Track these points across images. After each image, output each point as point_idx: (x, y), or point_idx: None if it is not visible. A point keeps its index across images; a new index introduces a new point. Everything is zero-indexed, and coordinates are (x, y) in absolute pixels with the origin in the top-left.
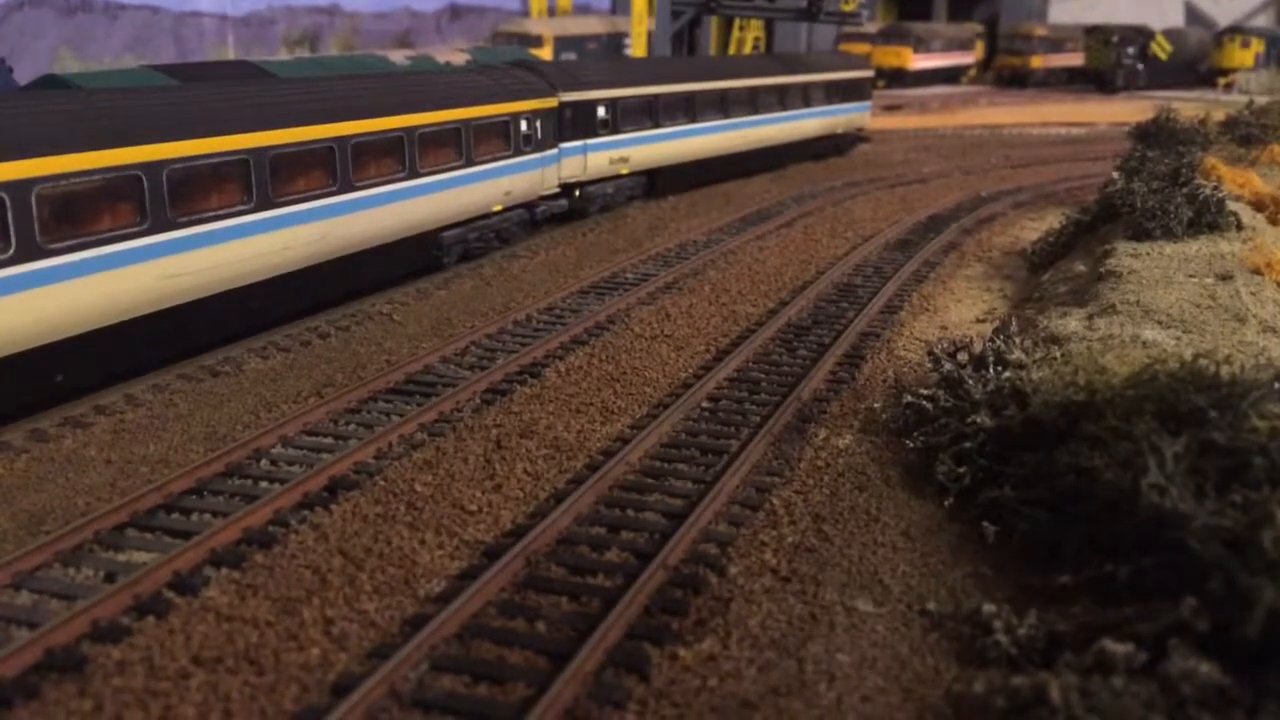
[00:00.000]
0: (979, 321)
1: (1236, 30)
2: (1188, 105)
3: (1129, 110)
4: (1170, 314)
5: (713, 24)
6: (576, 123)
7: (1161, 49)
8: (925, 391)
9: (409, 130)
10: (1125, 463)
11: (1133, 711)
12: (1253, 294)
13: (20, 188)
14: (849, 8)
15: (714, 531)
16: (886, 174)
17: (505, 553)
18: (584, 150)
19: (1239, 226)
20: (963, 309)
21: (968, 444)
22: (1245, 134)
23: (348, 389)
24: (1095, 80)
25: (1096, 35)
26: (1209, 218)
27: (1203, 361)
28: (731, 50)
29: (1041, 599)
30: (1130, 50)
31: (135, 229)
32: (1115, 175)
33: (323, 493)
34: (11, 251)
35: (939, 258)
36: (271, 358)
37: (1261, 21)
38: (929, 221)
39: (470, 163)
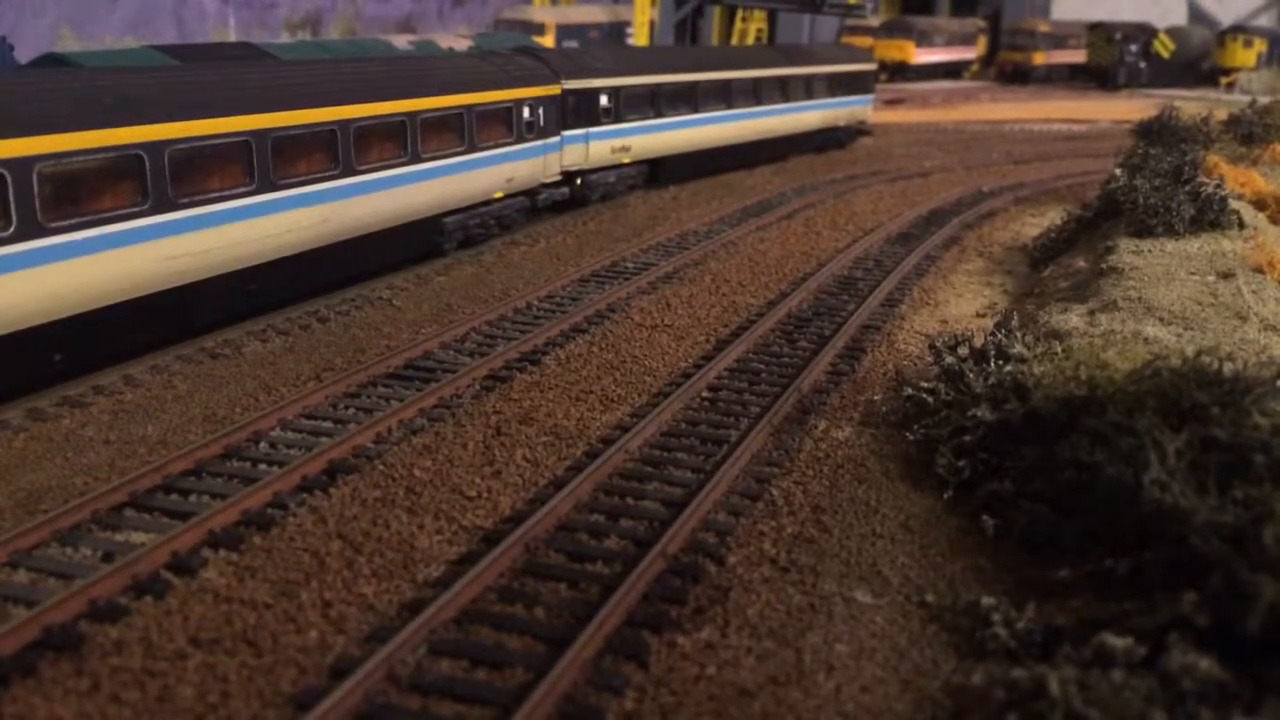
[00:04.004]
0: (980, 316)
1: (1239, 30)
2: (1189, 104)
3: (1131, 108)
4: (1172, 310)
5: (715, 14)
6: (579, 111)
7: (1164, 47)
8: (926, 384)
9: (411, 115)
10: (1126, 458)
11: (1132, 705)
12: (1254, 292)
13: (21, 165)
14: (853, 0)
15: (713, 521)
16: (888, 167)
17: (504, 538)
18: (586, 138)
19: (1241, 225)
20: (963, 303)
21: (968, 437)
22: (1247, 133)
23: (347, 373)
24: (1097, 77)
25: (1099, 32)
26: (1211, 215)
27: (1205, 358)
28: (734, 41)
29: (1040, 592)
30: (1133, 48)
31: (137, 209)
32: (1118, 172)
33: (321, 476)
34: (12, 229)
35: (940, 252)
36: (271, 341)
37: (1264, 21)
38: (930, 216)
39: (472, 148)
